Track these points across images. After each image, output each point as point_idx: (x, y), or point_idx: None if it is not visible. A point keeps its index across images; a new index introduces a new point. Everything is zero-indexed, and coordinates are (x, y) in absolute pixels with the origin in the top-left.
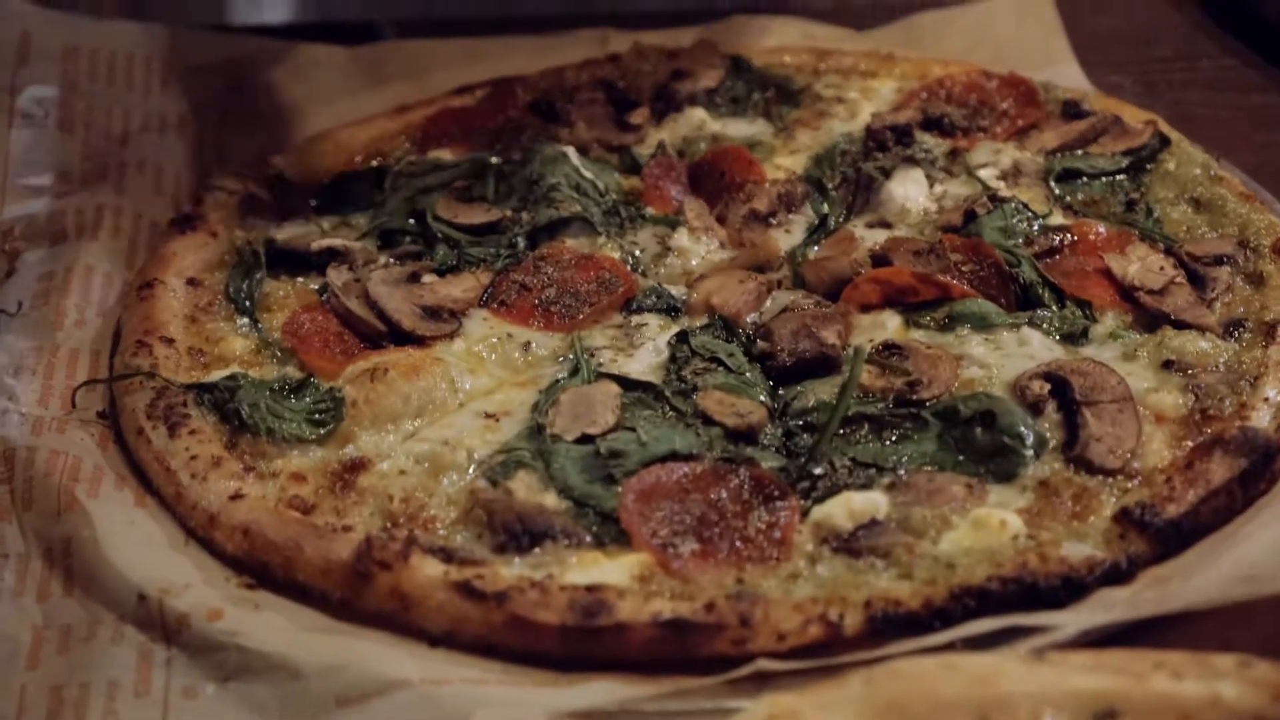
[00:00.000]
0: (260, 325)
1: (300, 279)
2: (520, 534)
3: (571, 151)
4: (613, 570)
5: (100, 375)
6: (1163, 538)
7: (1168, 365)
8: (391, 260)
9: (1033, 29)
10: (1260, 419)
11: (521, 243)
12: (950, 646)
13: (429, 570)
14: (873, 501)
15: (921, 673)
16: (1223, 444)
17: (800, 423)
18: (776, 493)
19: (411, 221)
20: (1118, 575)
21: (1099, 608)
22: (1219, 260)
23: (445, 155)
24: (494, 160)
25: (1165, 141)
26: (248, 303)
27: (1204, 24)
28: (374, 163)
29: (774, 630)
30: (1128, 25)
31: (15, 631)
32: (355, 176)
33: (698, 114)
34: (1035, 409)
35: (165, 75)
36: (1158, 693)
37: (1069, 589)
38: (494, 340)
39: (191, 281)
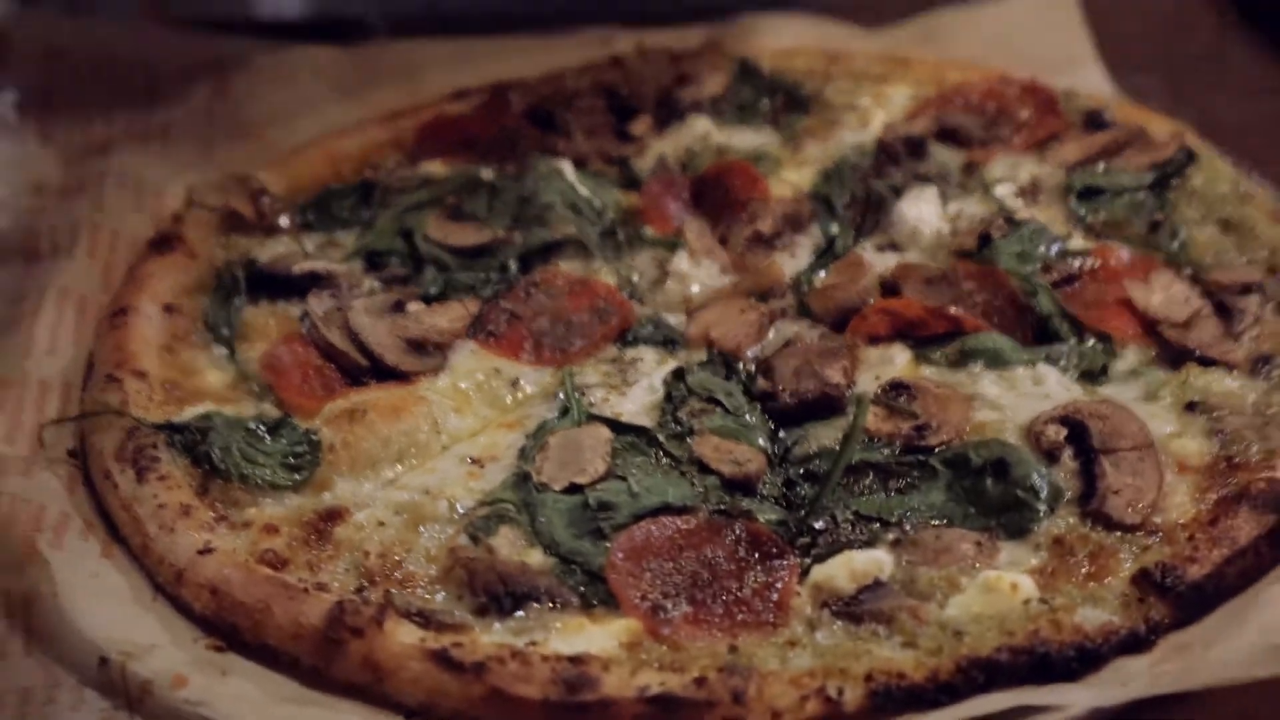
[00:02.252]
0: (238, 357)
1: (282, 304)
2: (502, 596)
3: (567, 166)
4: (599, 637)
5: (72, 409)
6: (1184, 602)
7: (1191, 407)
8: (377, 285)
9: (1055, 28)
10: None
11: (513, 266)
12: None
13: (404, 637)
14: (876, 561)
15: None
16: (1249, 498)
17: (801, 471)
18: (774, 550)
19: (400, 242)
20: (1136, 644)
21: (1115, 681)
22: (1247, 289)
23: (437, 168)
24: (487, 175)
25: (1192, 156)
26: (226, 331)
27: (1235, 22)
28: (363, 175)
29: (769, 707)
30: (1155, 23)
31: None
32: (343, 191)
33: (702, 123)
34: (1051, 457)
35: (152, 80)
36: None
37: (1083, 660)
38: (481, 376)
39: (168, 308)
